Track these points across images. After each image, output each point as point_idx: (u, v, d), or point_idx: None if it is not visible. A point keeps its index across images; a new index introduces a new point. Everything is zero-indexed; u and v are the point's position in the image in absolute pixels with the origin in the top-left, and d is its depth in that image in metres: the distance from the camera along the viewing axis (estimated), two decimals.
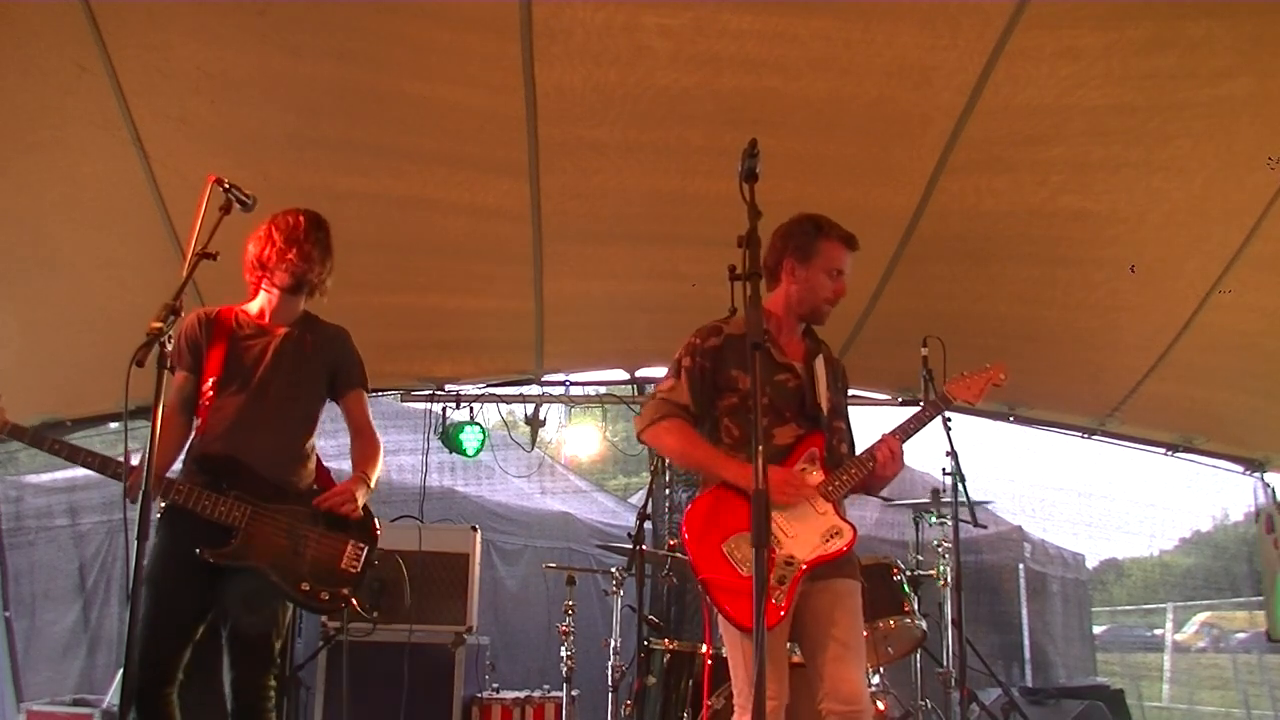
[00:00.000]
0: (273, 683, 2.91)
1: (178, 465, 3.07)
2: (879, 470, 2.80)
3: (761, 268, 2.94)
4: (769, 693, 2.50)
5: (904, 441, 2.84)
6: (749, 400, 2.71)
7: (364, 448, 3.19)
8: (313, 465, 3.15)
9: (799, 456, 2.76)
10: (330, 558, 2.98)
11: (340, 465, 3.29)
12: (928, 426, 2.94)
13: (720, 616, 2.62)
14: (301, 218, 3.07)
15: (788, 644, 2.77)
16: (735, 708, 2.64)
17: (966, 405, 3.03)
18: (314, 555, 2.95)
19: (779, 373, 2.82)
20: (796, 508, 2.68)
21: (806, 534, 2.68)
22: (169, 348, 2.40)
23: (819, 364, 2.88)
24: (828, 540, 2.68)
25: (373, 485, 3.15)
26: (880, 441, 2.82)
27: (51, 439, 2.88)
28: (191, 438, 3.05)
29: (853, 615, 2.73)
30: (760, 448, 2.12)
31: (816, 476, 2.76)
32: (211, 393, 3.02)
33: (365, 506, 3.09)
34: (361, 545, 3.03)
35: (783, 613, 2.59)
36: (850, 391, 3.13)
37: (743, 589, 2.53)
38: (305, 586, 2.92)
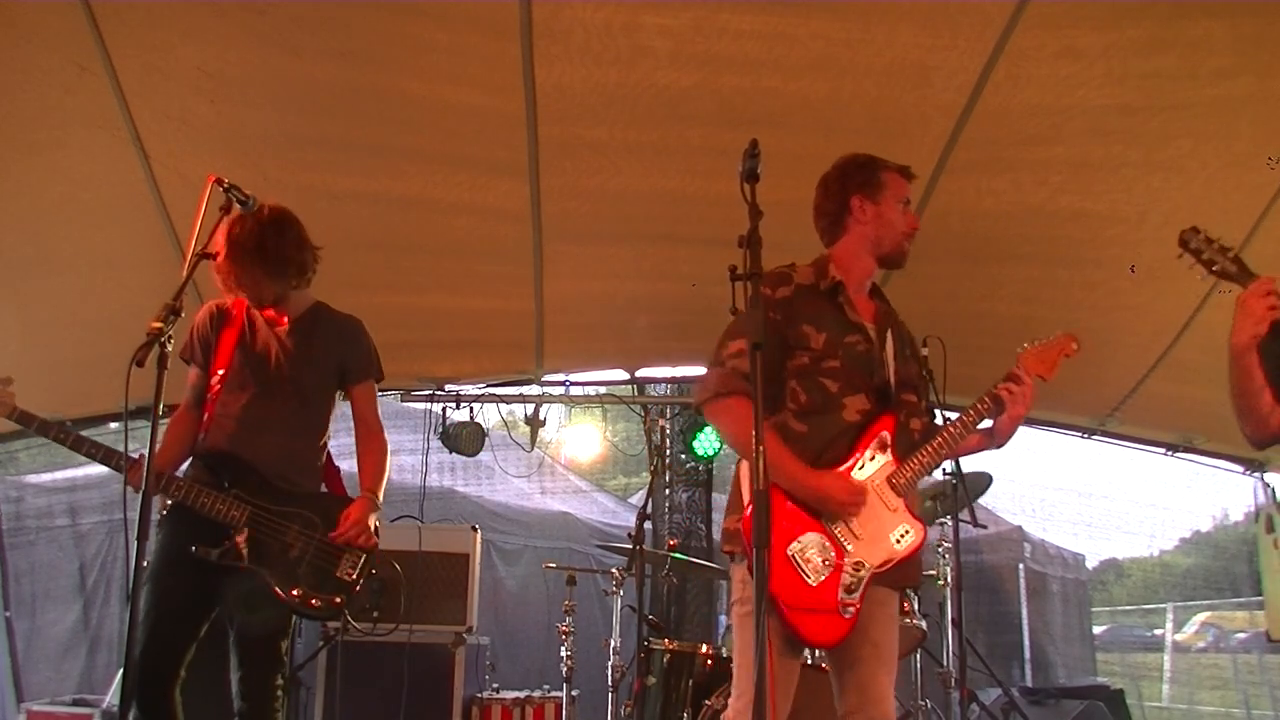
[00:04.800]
0: (280, 683, 2.89)
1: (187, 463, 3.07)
2: (954, 454, 2.60)
3: (817, 218, 2.70)
4: (775, 709, 2.34)
5: (975, 426, 2.57)
6: (823, 362, 2.48)
7: (369, 449, 3.16)
8: (320, 466, 3.13)
9: (869, 441, 2.49)
10: (327, 564, 2.96)
11: (347, 465, 3.28)
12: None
13: (774, 626, 2.28)
14: (220, 252, 2.83)
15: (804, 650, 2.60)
16: (732, 710, 2.45)
17: (1041, 380, 2.70)
18: (311, 561, 2.94)
19: (849, 333, 2.54)
20: (867, 503, 2.44)
21: (877, 534, 2.44)
22: (169, 348, 2.39)
23: (889, 333, 2.63)
24: (898, 541, 2.46)
25: (381, 499, 3.11)
26: (964, 426, 2.55)
27: (58, 426, 2.87)
28: (197, 433, 3.04)
29: (893, 625, 2.54)
30: (761, 448, 1.98)
31: (887, 465, 2.50)
32: (218, 386, 3.00)
33: None
34: (359, 553, 3.01)
35: (851, 624, 2.36)
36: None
37: (810, 602, 2.34)
38: (297, 592, 2.89)
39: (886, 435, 2.51)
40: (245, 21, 3.45)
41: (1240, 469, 6.23)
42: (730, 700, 2.48)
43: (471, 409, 6.17)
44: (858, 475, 2.47)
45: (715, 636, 6.38)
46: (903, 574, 2.53)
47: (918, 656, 4.60)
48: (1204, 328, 4.73)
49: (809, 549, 2.39)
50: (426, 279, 5.02)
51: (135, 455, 2.68)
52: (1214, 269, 2.48)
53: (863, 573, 2.40)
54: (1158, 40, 3.45)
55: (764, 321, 2.10)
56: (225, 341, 3.04)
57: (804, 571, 2.37)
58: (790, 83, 3.74)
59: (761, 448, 1.99)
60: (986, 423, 2.60)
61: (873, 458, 2.49)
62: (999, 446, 2.65)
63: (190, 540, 2.82)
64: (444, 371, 6.05)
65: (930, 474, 2.60)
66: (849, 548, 2.42)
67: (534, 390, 6.29)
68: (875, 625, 2.46)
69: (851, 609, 2.38)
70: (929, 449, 2.53)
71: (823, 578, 2.38)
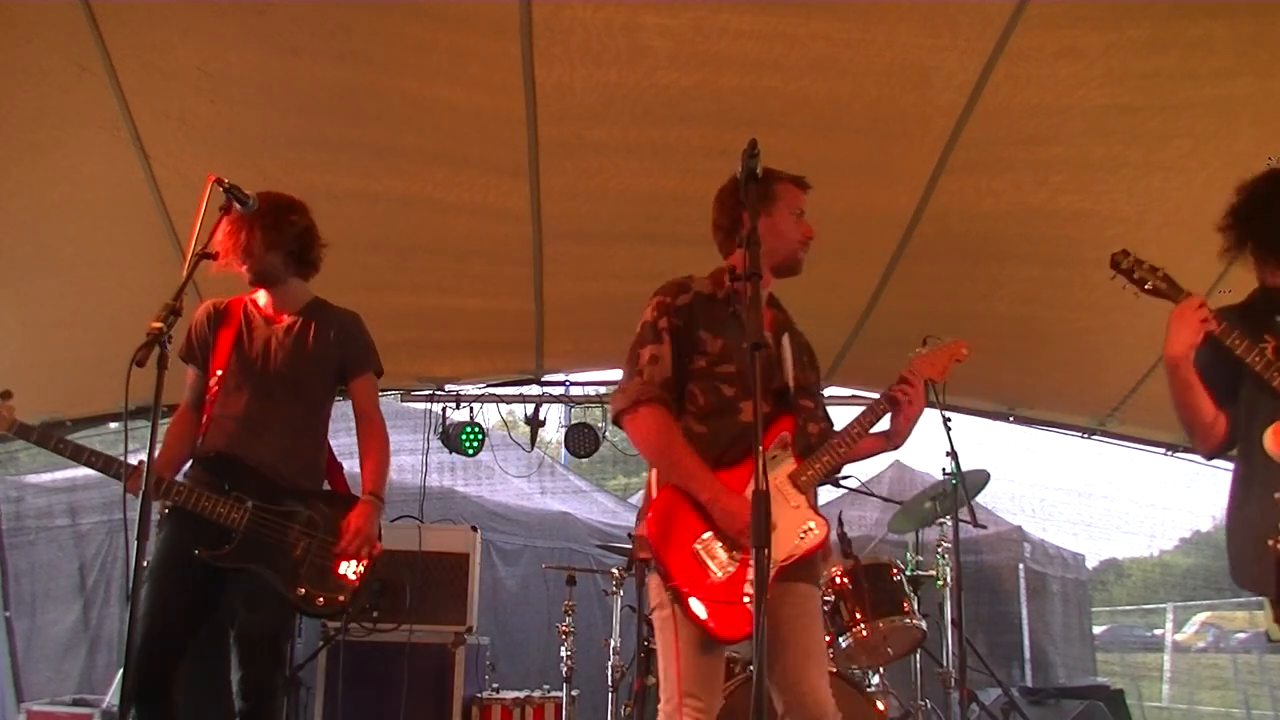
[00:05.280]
0: (280, 683, 2.89)
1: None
2: (853, 455, 2.68)
3: (714, 230, 2.79)
4: (702, 705, 2.40)
5: (870, 428, 2.67)
6: (718, 366, 2.57)
7: (370, 445, 3.15)
8: (321, 464, 3.13)
9: (769, 442, 2.56)
10: (329, 562, 2.97)
11: (348, 465, 3.28)
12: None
13: (681, 622, 2.41)
14: (221, 224, 2.82)
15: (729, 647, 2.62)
16: (662, 714, 2.44)
17: (932, 383, 2.81)
18: (312, 560, 2.94)
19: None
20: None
21: (781, 531, 2.47)
22: (169, 348, 2.40)
23: (785, 339, 2.71)
24: (802, 536, 2.50)
25: (384, 498, 3.11)
26: (861, 427, 2.65)
27: (57, 438, 2.87)
28: (197, 434, 3.04)
29: (816, 621, 2.58)
30: (762, 448, 2.04)
31: (789, 464, 2.58)
32: (217, 387, 3.01)
33: None
34: None
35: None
36: (851, 392, 3.03)
37: (717, 595, 2.39)
38: (301, 590, 2.91)
39: (786, 436, 2.58)
40: (245, 21, 3.45)
41: None
42: (660, 705, 2.49)
43: (471, 409, 6.17)
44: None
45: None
46: (811, 569, 2.59)
47: (918, 656, 4.60)
48: None
49: (714, 544, 2.46)
50: (426, 279, 5.02)
51: (135, 462, 2.68)
52: (1146, 287, 2.59)
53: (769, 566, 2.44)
54: (1158, 40, 3.45)
55: (758, 325, 2.14)
56: (223, 341, 3.04)
57: (709, 567, 2.43)
58: (790, 83, 3.74)
59: (761, 448, 2.02)
60: (884, 426, 2.71)
61: (774, 457, 2.56)
62: (896, 447, 2.75)
63: (191, 541, 2.82)
64: (444, 371, 6.05)
65: (831, 474, 2.68)
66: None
67: (534, 390, 6.29)
68: (793, 621, 2.50)
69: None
70: (830, 447, 2.61)
71: (730, 570, 2.44)
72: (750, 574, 2.37)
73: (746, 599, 2.39)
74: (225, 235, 2.89)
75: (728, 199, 2.76)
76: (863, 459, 2.92)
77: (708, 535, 2.45)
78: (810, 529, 2.52)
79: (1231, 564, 2.51)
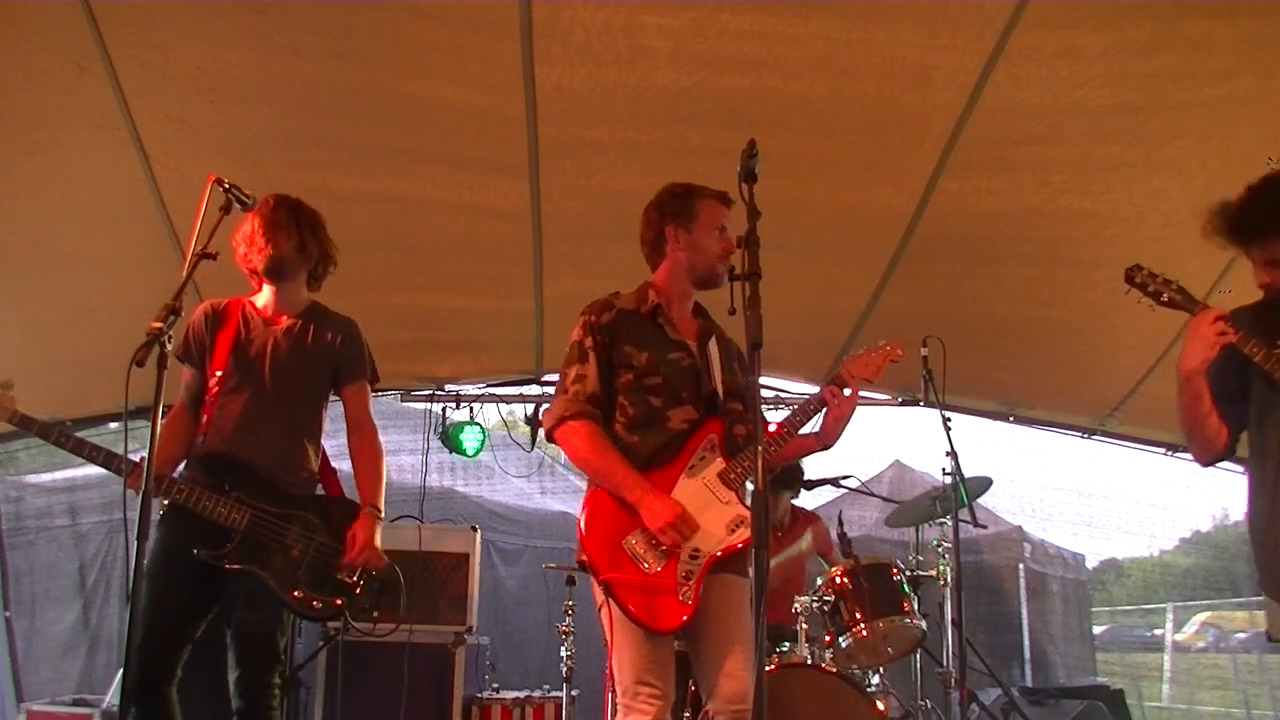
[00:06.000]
0: (277, 681, 2.89)
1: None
2: (783, 454, 2.82)
3: (641, 246, 2.93)
4: (656, 691, 2.49)
5: (800, 428, 2.80)
6: (645, 379, 2.70)
7: (364, 455, 3.15)
8: (316, 467, 3.13)
9: (697, 444, 2.69)
10: (327, 566, 2.97)
11: (342, 466, 3.28)
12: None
13: (617, 615, 2.52)
14: (269, 201, 3.05)
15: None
16: (620, 707, 2.54)
17: (866, 383, 2.92)
18: (311, 563, 2.95)
19: (672, 351, 2.76)
20: (699, 498, 2.62)
21: (711, 526, 2.61)
22: (169, 348, 2.40)
23: (712, 345, 2.82)
24: (733, 531, 2.61)
25: (382, 509, 3.11)
26: (790, 426, 2.79)
27: (59, 430, 2.87)
28: (195, 434, 3.04)
29: (743, 610, 2.66)
30: (760, 448, 2.07)
31: (718, 464, 2.69)
32: (216, 388, 3.01)
33: None
34: None
35: (692, 609, 2.52)
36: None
37: (649, 586, 2.51)
38: (298, 594, 2.91)
39: (714, 438, 2.71)
40: (245, 21, 3.45)
41: (1240, 469, 6.21)
42: (618, 699, 2.58)
43: (471, 409, 6.17)
44: (689, 476, 2.66)
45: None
46: (740, 561, 2.68)
47: (918, 656, 4.59)
48: None
49: (642, 542, 2.57)
50: (426, 279, 5.02)
51: (136, 458, 2.68)
52: (1162, 300, 2.62)
53: (700, 559, 2.57)
54: (1158, 40, 3.45)
55: (758, 321, 2.18)
56: (221, 342, 3.04)
57: (641, 561, 2.55)
58: (790, 83, 3.74)
59: (760, 447, 2.06)
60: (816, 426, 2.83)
61: (702, 458, 2.69)
62: (827, 447, 2.86)
63: (188, 540, 2.82)
64: (444, 371, 6.05)
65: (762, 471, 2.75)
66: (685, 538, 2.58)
67: (534, 390, 6.29)
68: (720, 611, 2.60)
69: (690, 593, 2.52)
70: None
71: (661, 565, 2.55)
72: (680, 568, 2.54)
73: (679, 591, 2.52)
74: (264, 222, 3.02)
75: (651, 214, 2.87)
76: (794, 458, 3.09)
77: (638, 534, 2.57)
78: (741, 523, 2.62)
79: (1256, 566, 2.54)
